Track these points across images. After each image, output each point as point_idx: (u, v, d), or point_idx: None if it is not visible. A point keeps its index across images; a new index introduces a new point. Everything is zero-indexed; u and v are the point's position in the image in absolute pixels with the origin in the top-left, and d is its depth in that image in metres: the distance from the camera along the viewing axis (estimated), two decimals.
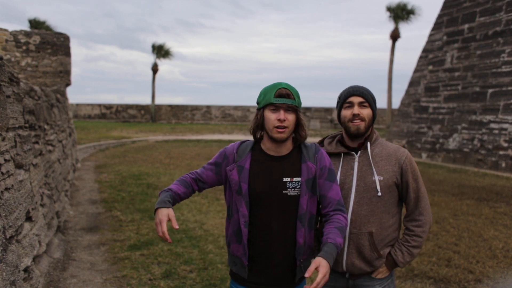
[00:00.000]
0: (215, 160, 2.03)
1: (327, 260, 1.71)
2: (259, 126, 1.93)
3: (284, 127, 1.85)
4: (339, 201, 1.94)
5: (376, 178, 2.03)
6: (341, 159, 2.12)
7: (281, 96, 1.85)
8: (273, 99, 1.84)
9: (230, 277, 2.09)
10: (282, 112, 1.84)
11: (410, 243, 2.08)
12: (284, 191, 1.90)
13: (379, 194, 2.03)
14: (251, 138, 2.04)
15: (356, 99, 2.06)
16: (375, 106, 2.12)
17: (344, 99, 2.10)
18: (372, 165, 2.05)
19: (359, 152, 2.10)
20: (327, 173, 1.95)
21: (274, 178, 1.92)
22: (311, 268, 1.68)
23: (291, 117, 1.86)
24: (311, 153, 1.96)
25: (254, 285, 1.99)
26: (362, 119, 2.05)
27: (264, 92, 1.89)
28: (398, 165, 2.06)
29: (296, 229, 1.92)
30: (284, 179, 1.91)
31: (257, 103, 1.94)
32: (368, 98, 2.06)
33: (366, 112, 2.06)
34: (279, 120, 1.84)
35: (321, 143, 2.25)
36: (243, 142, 2.02)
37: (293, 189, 1.90)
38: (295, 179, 1.91)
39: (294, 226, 1.92)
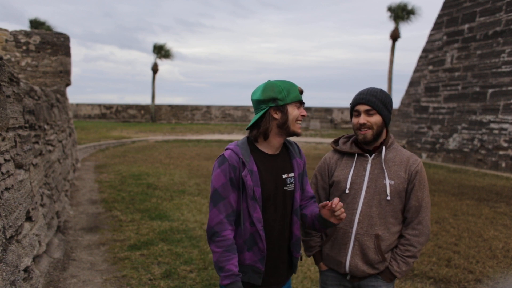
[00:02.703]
0: (226, 179, 1.85)
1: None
2: (286, 122, 1.88)
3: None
4: (312, 192, 2.14)
5: (387, 182, 2.04)
6: (355, 159, 2.13)
7: (301, 94, 1.94)
8: (300, 97, 1.91)
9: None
10: (302, 108, 1.93)
11: (404, 253, 2.06)
12: (285, 187, 1.96)
13: (388, 198, 2.03)
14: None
15: (362, 107, 2.03)
16: (387, 109, 2.05)
17: (352, 107, 2.09)
18: (385, 169, 2.05)
19: (373, 155, 2.10)
20: (306, 169, 2.10)
21: (276, 176, 1.94)
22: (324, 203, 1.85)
23: None
24: (296, 149, 2.07)
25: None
26: (370, 127, 2.03)
27: (287, 89, 1.88)
28: (408, 172, 2.06)
29: (293, 223, 2.01)
30: (283, 176, 1.96)
31: (276, 99, 1.86)
32: (375, 104, 2.01)
33: (374, 119, 2.02)
34: (302, 116, 1.92)
35: (336, 142, 2.26)
36: (236, 144, 1.93)
37: (290, 185, 1.97)
38: (290, 174, 1.98)
39: (291, 220, 2.01)
